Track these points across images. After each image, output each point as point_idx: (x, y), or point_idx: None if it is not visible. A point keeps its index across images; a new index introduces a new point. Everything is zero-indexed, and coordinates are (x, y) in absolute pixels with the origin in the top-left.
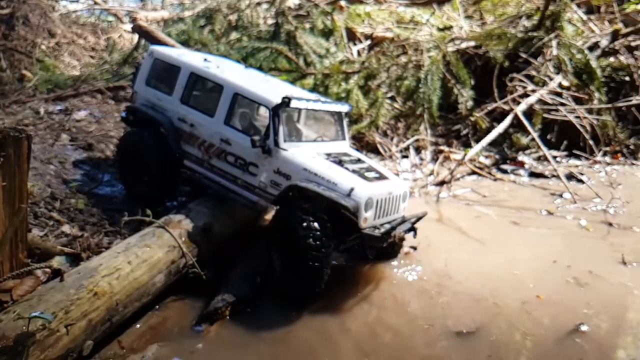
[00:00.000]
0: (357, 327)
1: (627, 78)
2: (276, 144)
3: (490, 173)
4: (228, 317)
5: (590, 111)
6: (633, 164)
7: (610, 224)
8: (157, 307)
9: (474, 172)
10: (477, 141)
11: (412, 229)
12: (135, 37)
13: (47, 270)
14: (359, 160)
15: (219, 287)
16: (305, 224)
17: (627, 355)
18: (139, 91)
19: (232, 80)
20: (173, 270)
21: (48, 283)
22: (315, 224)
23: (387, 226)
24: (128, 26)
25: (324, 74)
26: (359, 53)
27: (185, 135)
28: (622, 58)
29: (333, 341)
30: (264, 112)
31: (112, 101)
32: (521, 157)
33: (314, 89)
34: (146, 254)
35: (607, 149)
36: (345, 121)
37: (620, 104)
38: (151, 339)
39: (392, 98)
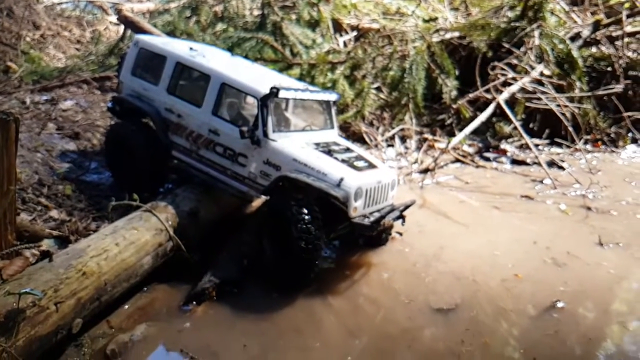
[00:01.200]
0: (342, 305)
1: (608, 68)
2: (265, 134)
3: (473, 161)
4: (215, 298)
5: (571, 100)
6: (613, 151)
7: (589, 208)
8: (145, 289)
9: (457, 160)
10: (461, 130)
11: (401, 216)
12: (121, 28)
13: (36, 252)
14: (347, 150)
15: (206, 270)
16: (296, 215)
17: (613, 344)
18: (124, 81)
19: (219, 70)
20: (160, 252)
21: (37, 264)
22: (307, 215)
23: (377, 215)
24: (114, 18)
25: (310, 64)
26: (345, 44)
27: (172, 125)
28: (603, 48)
29: (318, 318)
30: (251, 100)
31: (98, 91)
32: (504, 145)
33: (300, 79)
34: (134, 236)
35: (588, 137)
36: (334, 110)
37: (601, 93)
38: (139, 319)
39: (378, 88)
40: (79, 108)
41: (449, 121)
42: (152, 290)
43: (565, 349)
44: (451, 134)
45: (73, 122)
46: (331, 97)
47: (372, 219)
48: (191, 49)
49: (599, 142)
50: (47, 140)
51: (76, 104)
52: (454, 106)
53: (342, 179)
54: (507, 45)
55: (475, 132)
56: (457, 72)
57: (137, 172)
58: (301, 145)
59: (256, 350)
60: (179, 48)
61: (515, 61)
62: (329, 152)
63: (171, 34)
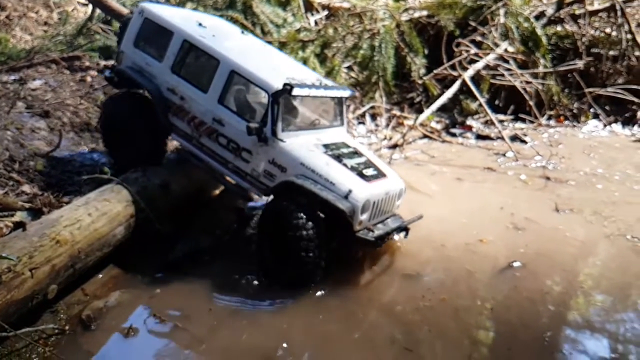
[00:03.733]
0: None
1: (571, 46)
2: (274, 133)
3: (439, 136)
4: (187, 266)
5: (535, 76)
6: (575, 126)
7: (548, 178)
8: (119, 259)
9: (425, 136)
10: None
11: (405, 229)
12: (89, 8)
13: (9, 223)
14: (357, 153)
15: (178, 241)
16: (299, 224)
17: (580, 316)
18: (126, 52)
19: (229, 56)
20: (132, 223)
21: (11, 233)
22: (310, 228)
23: (381, 227)
24: None
25: (281, 42)
26: (316, 23)
27: (174, 107)
28: (567, 26)
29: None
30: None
31: (67, 71)
32: (469, 122)
33: None
34: (106, 207)
35: (552, 112)
36: (345, 106)
37: (563, 69)
38: (113, 287)
39: (349, 67)
40: (48, 87)
41: (418, 99)
42: (125, 260)
43: (521, 299)
44: (420, 112)
45: (43, 101)
46: (345, 93)
47: (376, 233)
48: (200, 24)
49: (562, 118)
50: (17, 119)
51: (45, 83)
52: (419, 82)
53: (350, 191)
54: (473, 24)
55: (443, 110)
56: (425, 51)
57: (136, 151)
58: (310, 147)
59: (225, 312)
60: (187, 23)
61: (480, 38)
62: (338, 157)
63: None
